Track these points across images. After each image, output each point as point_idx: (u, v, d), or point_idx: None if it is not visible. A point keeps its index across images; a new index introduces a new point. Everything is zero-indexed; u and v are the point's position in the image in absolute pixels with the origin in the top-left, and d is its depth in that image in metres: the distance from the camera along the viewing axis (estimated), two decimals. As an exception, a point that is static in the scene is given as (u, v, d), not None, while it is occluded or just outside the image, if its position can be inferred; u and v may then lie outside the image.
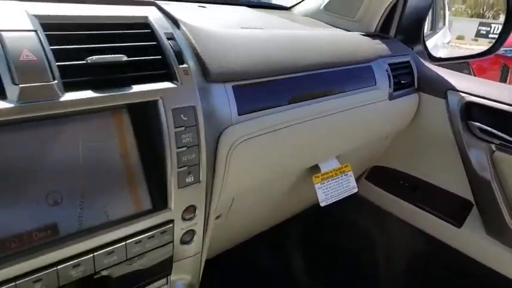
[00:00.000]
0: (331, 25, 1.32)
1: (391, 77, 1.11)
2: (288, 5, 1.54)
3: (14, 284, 0.48)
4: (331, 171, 1.00)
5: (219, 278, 0.91)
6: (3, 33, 0.48)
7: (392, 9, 1.26)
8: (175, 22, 0.69)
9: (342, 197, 1.03)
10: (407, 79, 1.17)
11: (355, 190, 1.06)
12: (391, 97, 1.11)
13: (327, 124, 0.91)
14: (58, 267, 0.51)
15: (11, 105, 0.46)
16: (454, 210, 1.23)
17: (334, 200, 1.01)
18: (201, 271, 0.76)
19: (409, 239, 1.37)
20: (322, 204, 0.99)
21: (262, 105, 0.79)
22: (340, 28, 1.29)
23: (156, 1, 0.69)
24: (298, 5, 1.51)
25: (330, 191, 0.99)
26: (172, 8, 0.72)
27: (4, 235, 0.49)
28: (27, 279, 0.49)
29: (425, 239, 1.30)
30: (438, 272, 1.33)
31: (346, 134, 1.03)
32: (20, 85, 0.47)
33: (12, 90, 0.47)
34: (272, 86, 0.82)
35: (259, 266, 1.54)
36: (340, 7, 1.31)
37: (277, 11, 1.48)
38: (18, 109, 0.47)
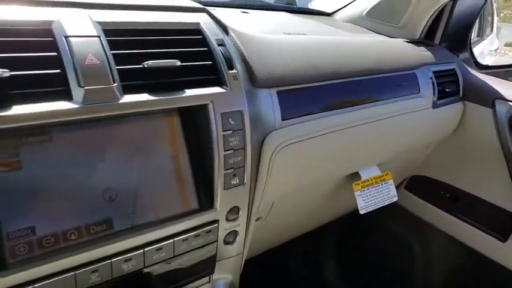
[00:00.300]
0: (373, 31, 1.31)
1: (436, 85, 1.09)
2: (329, 11, 1.54)
3: (73, 273, 0.51)
4: (371, 179, 0.99)
5: (256, 278, 0.92)
6: (71, 38, 0.52)
7: (438, 15, 1.23)
8: (224, 28, 0.72)
9: (381, 205, 1.02)
10: (452, 87, 1.15)
11: (395, 199, 1.05)
12: (434, 105, 1.08)
13: (368, 131, 0.91)
14: (112, 260, 0.54)
15: (77, 106, 0.50)
16: (498, 223, 1.19)
17: (374, 208, 1.00)
18: (241, 271, 0.78)
19: (448, 251, 1.33)
20: (362, 212, 0.98)
21: (305, 110, 0.80)
22: (383, 34, 1.28)
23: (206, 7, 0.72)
24: (339, 11, 1.50)
25: (369, 199, 0.98)
26: (219, 14, 0.74)
27: (65, 227, 0.52)
28: (85, 269, 0.52)
29: (466, 252, 1.26)
30: (479, 287, 1.29)
31: (387, 142, 1.02)
32: (85, 87, 0.50)
33: (77, 92, 0.50)
34: (315, 92, 0.83)
35: (294, 269, 1.54)
36: (384, 13, 1.30)
37: (318, 16, 1.48)
38: (83, 110, 0.50)
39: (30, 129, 0.50)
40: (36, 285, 0.49)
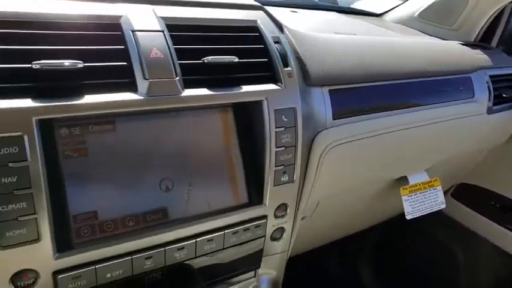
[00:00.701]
0: (425, 33, 1.28)
1: (492, 90, 1.04)
2: (378, 12, 1.52)
3: (130, 258, 0.53)
4: (419, 184, 0.97)
5: (297, 277, 0.93)
6: (137, 32, 0.54)
7: (497, 17, 1.18)
8: (279, 26, 0.72)
9: (428, 212, 0.99)
10: (509, 93, 1.09)
11: (443, 206, 1.02)
12: (489, 111, 1.04)
13: (419, 134, 0.89)
14: (166, 248, 0.56)
15: (141, 97, 0.52)
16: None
17: (421, 214, 0.98)
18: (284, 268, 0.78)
19: (495, 262, 1.28)
20: (408, 217, 0.96)
21: (356, 110, 0.79)
22: (435, 36, 1.24)
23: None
24: (389, 12, 1.47)
25: (417, 204, 0.96)
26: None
27: (124, 214, 0.54)
28: (140, 255, 0.54)
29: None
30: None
31: (437, 146, 0.99)
32: (150, 80, 0.52)
33: (142, 84, 0.52)
34: (367, 92, 0.82)
35: (335, 270, 1.53)
36: (437, 15, 1.26)
37: (367, 17, 1.46)
38: (147, 101, 0.52)
39: (96, 118, 0.53)
40: (97, 266, 0.51)
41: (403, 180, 0.97)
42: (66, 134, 0.51)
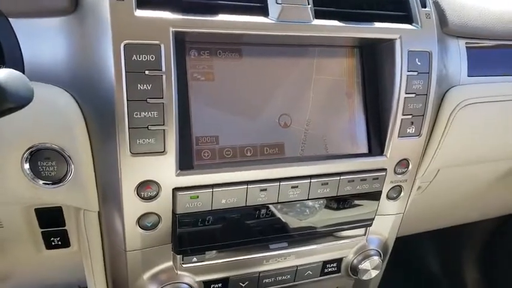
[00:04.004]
0: None
1: None
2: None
3: (245, 187, 0.52)
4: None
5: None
6: None
7: None
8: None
9: None
10: None
11: None
12: None
13: None
14: (281, 183, 0.54)
15: (272, 21, 0.50)
16: None
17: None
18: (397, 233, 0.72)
19: None
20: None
21: (494, 70, 0.70)
22: None
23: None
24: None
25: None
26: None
27: (243, 143, 0.53)
28: (256, 186, 0.53)
29: None
30: None
31: None
32: (282, 4, 0.50)
33: (274, 8, 0.50)
34: (506, 51, 0.72)
35: (429, 263, 1.41)
36: None
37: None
38: (277, 26, 0.50)
39: (225, 45, 0.52)
40: (214, 190, 0.51)
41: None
42: (195, 56, 0.51)
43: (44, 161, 0.49)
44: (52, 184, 0.50)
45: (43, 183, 0.50)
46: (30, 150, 0.48)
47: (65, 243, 0.61)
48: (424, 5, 0.59)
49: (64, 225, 0.60)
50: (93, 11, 0.46)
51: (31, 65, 0.47)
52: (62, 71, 0.47)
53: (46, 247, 0.61)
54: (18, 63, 0.46)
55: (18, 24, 0.46)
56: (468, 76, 0.66)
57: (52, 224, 0.59)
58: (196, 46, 0.51)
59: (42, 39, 0.47)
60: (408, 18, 0.58)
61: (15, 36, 0.46)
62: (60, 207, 0.57)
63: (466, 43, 0.67)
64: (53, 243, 0.61)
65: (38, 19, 0.47)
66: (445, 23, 0.63)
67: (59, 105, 0.47)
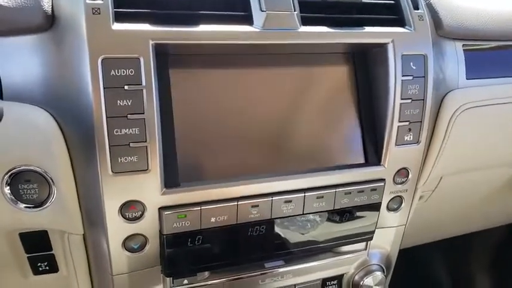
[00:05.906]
0: None
1: None
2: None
3: (236, 203, 0.50)
4: None
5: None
6: None
7: None
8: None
9: None
10: None
11: None
12: None
13: None
14: (273, 198, 0.51)
15: (257, 29, 0.48)
16: None
17: None
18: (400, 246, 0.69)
19: None
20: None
21: (493, 72, 0.68)
22: None
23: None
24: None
25: None
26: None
27: (231, 157, 0.51)
28: (246, 202, 0.50)
29: None
30: None
31: None
32: (267, 12, 0.48)
33: (258, 16, 0.48)
34: (507, 53, 0.70)
35: (437, 276, 1.37)
36: None
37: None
38: (262, 34, 0.48)
39: (208, 56, 0.50)
40: (202, 208, 0.48)
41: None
42: (179, 69, 0.49)
43: (25, 184, 0.47)
44: (34, 207, 0.48)
45: (25, 206, 0.48)
46: (10, 172, 0.46)
47: (53, 268, 0.59)
48: (416, 7, 0.57)
49: (51, 250, 0.57)
50: (69, 26, 0.44)
51: (7, 84, 0.45)
52: (39, 89, 0.45)
53: (33, 273, 0.58)
54: (-7, 83, 0.44)
55: (-8, 44, 0.45)
56: (467, 79, 0.64)
57: (38, 249, 0.57)
58: (179, 58, 0.49)
59: (18, 58, 0.45)
60: (400, 21, 0.56)
61: None
62: (46, 230, 0.55)
63: (463, 45, 0.65)
64: (40, 269, 0.58)
65: (13, 37, 0.45)
66: (439, 25, 0.61)
67: (37, 124, 0.45)
